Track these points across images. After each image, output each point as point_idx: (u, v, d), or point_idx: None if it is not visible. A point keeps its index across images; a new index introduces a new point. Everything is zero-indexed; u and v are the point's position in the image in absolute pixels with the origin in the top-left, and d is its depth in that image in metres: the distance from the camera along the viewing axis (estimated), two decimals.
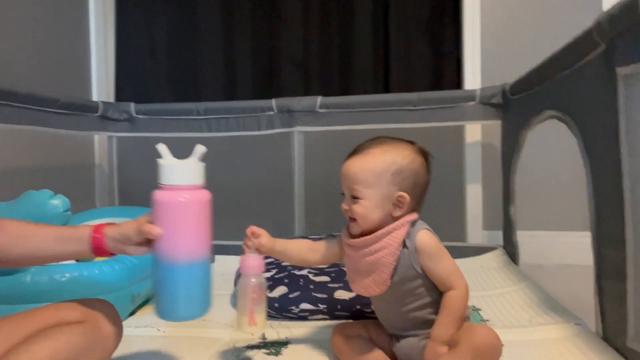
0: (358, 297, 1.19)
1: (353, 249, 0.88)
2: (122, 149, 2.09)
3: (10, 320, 0.83)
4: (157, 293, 0.80)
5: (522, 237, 1.70)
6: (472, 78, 2.04)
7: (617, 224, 0.88)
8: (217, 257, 1.92)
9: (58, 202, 1.19)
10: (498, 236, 1.88)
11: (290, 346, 1.04)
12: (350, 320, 1.10)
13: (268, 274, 1.28)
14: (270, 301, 1.21)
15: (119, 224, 0.81)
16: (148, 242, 0.79)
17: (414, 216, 0.86)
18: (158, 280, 0.79)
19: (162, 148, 0.80)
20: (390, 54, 2.18)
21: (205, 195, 0.79)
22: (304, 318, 1.20)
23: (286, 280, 1.24)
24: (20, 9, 1.88)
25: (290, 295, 1.20)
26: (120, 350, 0.89)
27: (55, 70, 2.06)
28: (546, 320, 1.13)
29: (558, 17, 1.99)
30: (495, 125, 1.83)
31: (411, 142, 0.89)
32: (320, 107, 1.88)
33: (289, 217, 1.93)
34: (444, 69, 2.15)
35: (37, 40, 1.96)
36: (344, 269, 1.28)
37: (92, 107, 1.92)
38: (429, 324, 0.85)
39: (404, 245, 0.84)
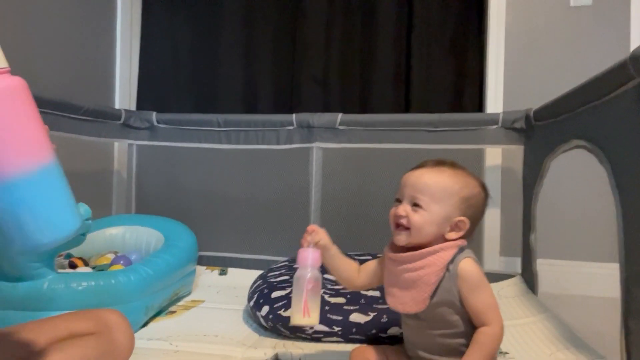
0: (374, 320, 1.17)
1: (396, 263, 0.88)
2: (141, 157, 2.10)
3: (24, 330, 0.83)
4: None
5: (540, 265, 1.67)
6: (495, 102, 2.02)
7: None
8: (230, 270, 1.91)
9: (80, 211, 1.19)
10: (514, 263, 1.84)
11: None
12: (369, 345, 1.08)
13: (283, 292, 1.27)
14: (285, 320, 1.19)
15: None
16: None
17: (463, 242, 0.86)
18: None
19: None
20: (412, 74, 2.17)
21: (17, 82, 0.59)
22: (318, 340, 1.19)
23: None
24: (49, 15, 1.91)
25: None
26: None
27: (80, 77, 2.09)
28: (567, 357, 1.10)
29: (583, 44, 1.97)
30: (517, 150, 1.81)
31: (477, 176, 0.91)
32: (341, 124, 1.88)
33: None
34: (466, 91, 2.14)
35: (64, 47, 2.00)
36: (360, 291, 1.27)
37: (114, 115, 1.94)
38: (457, 354, 0.83)
39: (447, 268, 0.83)
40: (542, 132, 1.60)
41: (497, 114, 1.80)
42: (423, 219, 0.84)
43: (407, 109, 2.17)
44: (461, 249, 0.85)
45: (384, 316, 1.17)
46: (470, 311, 0.83)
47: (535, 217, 1.66)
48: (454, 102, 2.14)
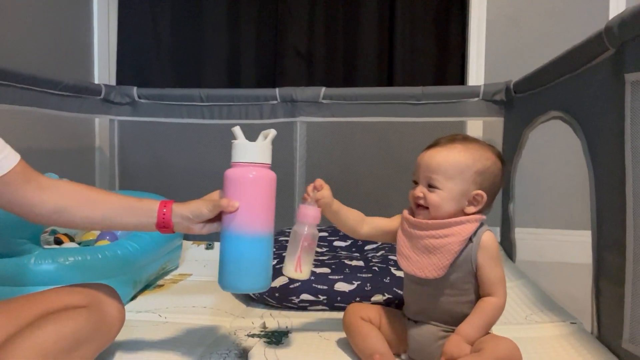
0: (358, 289, 1.20)
1: (418, 228, 0.89)
2: (123, 133, 2.08)
3: (14, 304, 0.83)
4: (222, 266, 0.85)
5: (519, 234, 1.72)
6: (476, 74, 2.04)
7: (618, 229, 0.90)
8: (217, 245, 1.93)
9: None
10: (494, 232, 1.89)
11: (290, 335, 1.06)
12: (364, 303, 1.12)
13: None
14: (271, 290, 1.22)
15: (187, 203, 0.85)
16: (214, 220, 0.85)
17: (483, 217, 0.89)
18: (225, 254, 0.84)
19: (236, 130, 0.85)
20: (395, 47, 2.17)
21: (273, 174, 0.85)
22: (304, 308, 1.22)
23: None
24: None
25: (291, 286, 1.22)
26: (121, 335, 0.90)
27: (56, 51, 2.04)
28: (542, 319, 1.15)
29: (564, 17, 1.99)
30: (497, 122, 1.84)
31: (491, 145, 0.92)
32: (324, 98, 1.88)
33: (289, 208, 1.93)
34: (448, 64, 2.15)
35: (40, 21, 1.94)
36: (345, 261, 1.30)
37: (94, 90, 1.91)
38: (459, 320, 0.87)
39: (470, 240, 0.86)
40: (521, 104, 1.63)
41: (478, 87, 1.83)
42: (440, 198, 0.87)
43: (390, 83, 2.18)
44: (481, 224, 0.88)
45: (368, 285, 1.21)
46: (481, 280, 0.86)
47: (514, 187, 1.70)
48: (436, 75, 2.16)
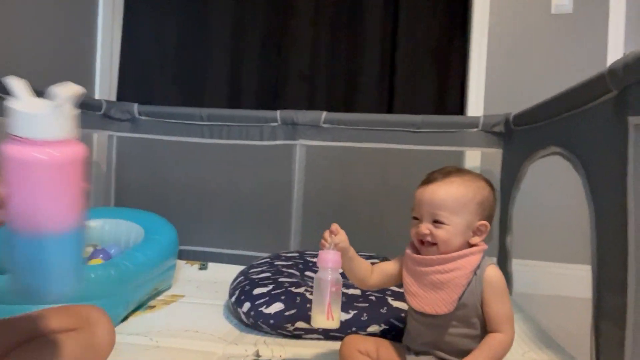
0: (354, 318, 1.18)
1: (422, 265, 0.89)
2: (121, 149, 2.07)
3: (1, 326, 0.81)
4: (12, 271, 0.64)
5: (515, 266, 1.71)
6: (476, 105, 2.06)
7: (620, 269, 0.89)
8: (211, 265, 1.91)
9: None
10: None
11: None
12: (361, 335, 1.10)
13: (265, 289, 1.28)
14: (266, 317, 1.20)
15: None
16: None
17: (485, 247, 0.89)
18: (13, 256, 0.63)
19: (15, 83, 0.59)
20: (396, 74, 2.19)
21: (75, 151, 0.62)
22: (299, 337, 1.20)
23: (283, 297, 1.24)
24: (28, 2, 1.86)
25: (286, 313, 1.20)
26: (112, 358, 0.88)
27: (59, 65, 2.04)
28: (540, 357, 1.14)
29: (563, 51, 2.02)
30: (496, 153, 1.85)
31: (480, 174, 0.94)
32: (325, 122, 1.89)
33: (286, 230, 1.92)
34: (448, 94, 2.18)
35: (42, 34, 1.95)
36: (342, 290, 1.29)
37: (95, 105, 1.91)
38: (462, 354, 0.86)
39: (475, 272, 0.86)
40: (520, 137, 1.65)
41: (478, 118, 1.84)
42: (448, 233, 0.87)
43: (390, 109, 2.19)
44: (484, 254, 0.88)
45: (364, 314, 1.19)
46: (488, 316, 0.86)
47: (512, 219, 1.70)
48: (436, 104, 2.18)
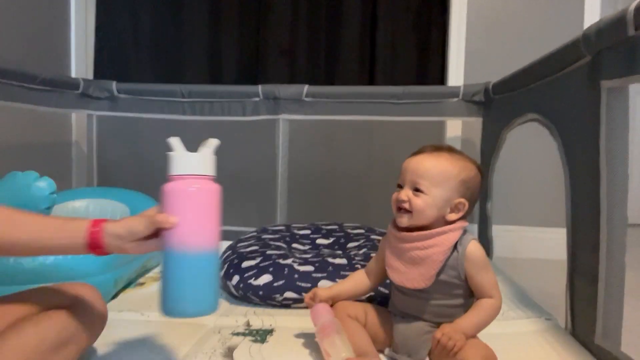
0: None
1: (402, 241, 0.92)
2: (101, 128, 2.05)
3: None
4: (164, 288, 0.77)
5: (496, 232, 1.77)
6: (456, 75, 2.08)
7: (593, 229, 0.93)
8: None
9: (44, 185, 1.17)
10: (472, 229, 1.94)
11: (275, 333, 1.07)
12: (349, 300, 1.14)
13: (253, 262, 1.30)
14: (255, 289, 1.23)
15: (120, 220, 0.77)
16: (152, 237, 0.76)
17: (465, 224, 0.91)
18: (166, 275, 0.76)
19: (174, 141, 0.78)
20: (377, 46, 2.19)
21: (216, 186, 0.78)
22: (287, 306, 1.23)
23: (271, 269, 1.26)
24: None
25: (275, 284, 1.22)
26: (103, 335, 0.89)
27: (32, 44, 1.99)
28: (518, 315, 1.19)
29: (541, 20, 2.04)
30: (476, 122, 1.88)
31: (473, 159, 0.96)
32: (307, 96, 1.89)
33: (272, 204, 1.94)
34: (429, 64, 2.18)
35: (14, 12, 1.89)
36: (328, 259, 1.32)
37: (72, 84, 1.87)
38: (447, 319, 0.89)
39: (455, 248, 0.88)
40: (500, 105, 1.67)
41: (458, 87, 1.86)
42: (425, 203, 0.89)
43: (371, 81, 2.20)
44: (465, 231, 0.91)
45: None
46: (475, 287, 0.89)
47: (492, 186, 1.75)
48: (417, 75, 2.19)
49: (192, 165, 0.76)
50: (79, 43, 2.24)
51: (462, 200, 0.90)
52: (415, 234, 0.90)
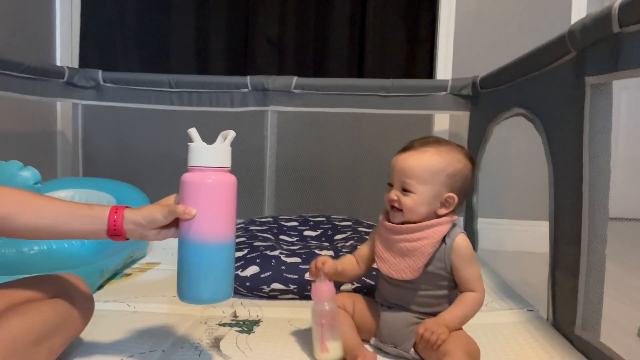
0: None
1: (392, 233, 0.93)
2: (87, 118, 2.02)
3: None
4: (181, 275, 0.79)
5: (481, 225, 1.79)
6: (444, 69, 2.08)
7: (575, 222, 0.95)
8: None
9: (28, 174, 1.16)
10: (459, 222, 1.96)
11: (262, 324, 1.07)
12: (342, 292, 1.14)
13: (240, 254, 1.30)
14: (242, 280, 1.23)
15: (140, 208, 0.79)
16: (171, 225, 0.79)
17: (454, 217, 0.92)
18: (184, 262, 0.78)
19: (192, 132, 0.79)
20: (366, 38, 2.19)
21: (233, 178, 0.81)
22: (274, 297, 1.24)
23: (258, 260, 1.27)
24: None
25: (262, 275, 1.23)
26: (90, 325, 0.89)
27: (16, 31, 1.95)
28: (501, 306, 1.21)
29: (529, 15, 2.05)
30: (464, 116, 1.90)
31: (462, 147, 0.95)
32: (296, 88, 1.88)
33: (259, 196, 1.94)
34: (417, 58, 2.19)
35: None
36: (315, 250, 1.33)
37: (57, 73, 1.84)
38: (433, 310, 0.91)
39: (443, 241, 0.89)
40: (486, 99, 1.69)
41: (446, 81, 1.87)
42: (413, 202, 0.90)
43: (360, 74, 2.20)
44: (454, 224, 0.91)
45: None
46: (459, 280, 0.90)
47: (478, 179, 1.77)
48: (405, 68, 2.19)
49: (212, 158, 0.78)
50: (64, 30, 2.20)
51: (451, 194, 0.90)
52: (405, 226, 0.91)
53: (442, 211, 0.91)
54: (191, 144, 0.79)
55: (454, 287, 0.92)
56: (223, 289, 0.80)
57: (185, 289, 0.79)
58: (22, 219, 0.75)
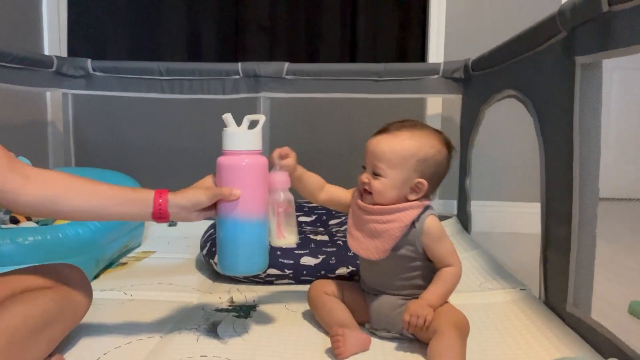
0: (323, 262, 1.24)
1: (364, 212, 0.93)
2: (77, 107, 2.00)
3: None
4: (224, 250, 0.89)
5: (474, 207, 1.81)
6: (436, 52, 2.08)
7: (565, 202, 0.96)
8: (180, 223, 1.92)
9: None
10: (451, 205, 1.98)
11: (258, 309, 1.08)
12: (327, 279, 1.15)
13: None
14: None
15: (183, 191, 0.84)
16: (210, 207, 0.86)
17: (427, 202, 0.92)
18: (225, 239, 0.87)
19: (228, 117, 0.87)
20: (358, 23, 2.17)
21: (265, 160, 0.89)
22: (271, 282, 1.25)
23: None
24: None
25: None
26: (88, 314, 0.90)
27: (1, 20, 1.92)
28: (494, 286, 1.23)
29: None
30: (456, 99, 1.90)
31: (439, 132, 0.94)
32: (287, 74, 1.87)
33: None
34: (409, 41, 2.18)
35: None
36: (310, 236, 1.34)
37: (46, 62, 1.82)
38: (413, 290, 0.92)
39: (413, 224, 0.90)
40: (478, 81, 1.69)
41: (438, 64, 1.87)
42: (383, 186, 0.90)
43: (352, 59, 2.19)
44: (425, 208, 0.92)
45: (332, 258, 1.25)
46: (434, 258, 0.91)
47: (471, 162, 1.78)
48: (397, 52, 2.18)
49: (247, 142, 0.86)
50: (51, 19, 2.16)
51: (421, 180, 0.90)
52: (376, 207, 0.92)
53: (412, 197, 0.91)
54: (226, 129, 0.86)
55: (428, 266, 0.92)
56: (260, 261, 0.90)
57: (227, 262, 0.89)
58: (68, 202, 0.78)
